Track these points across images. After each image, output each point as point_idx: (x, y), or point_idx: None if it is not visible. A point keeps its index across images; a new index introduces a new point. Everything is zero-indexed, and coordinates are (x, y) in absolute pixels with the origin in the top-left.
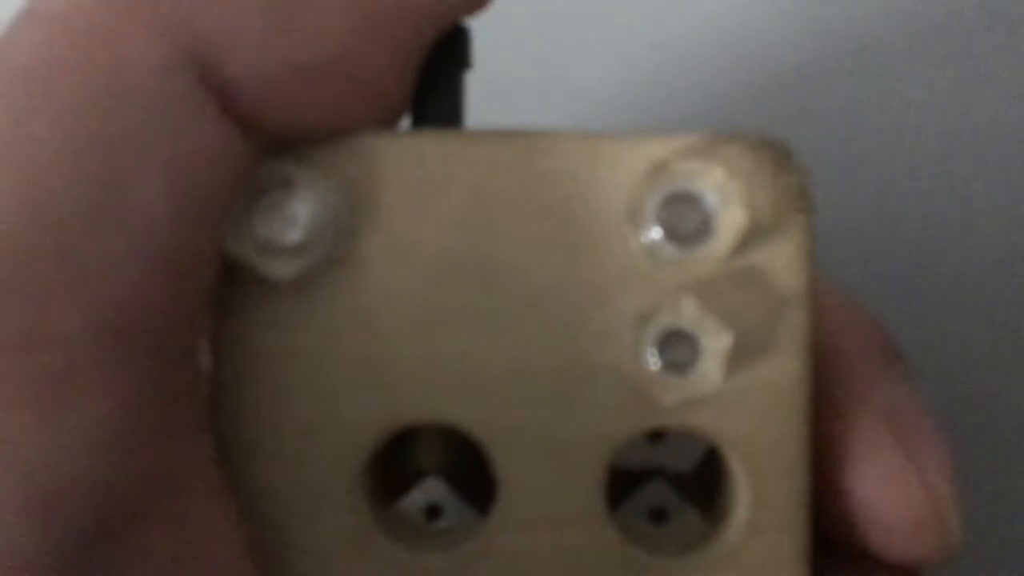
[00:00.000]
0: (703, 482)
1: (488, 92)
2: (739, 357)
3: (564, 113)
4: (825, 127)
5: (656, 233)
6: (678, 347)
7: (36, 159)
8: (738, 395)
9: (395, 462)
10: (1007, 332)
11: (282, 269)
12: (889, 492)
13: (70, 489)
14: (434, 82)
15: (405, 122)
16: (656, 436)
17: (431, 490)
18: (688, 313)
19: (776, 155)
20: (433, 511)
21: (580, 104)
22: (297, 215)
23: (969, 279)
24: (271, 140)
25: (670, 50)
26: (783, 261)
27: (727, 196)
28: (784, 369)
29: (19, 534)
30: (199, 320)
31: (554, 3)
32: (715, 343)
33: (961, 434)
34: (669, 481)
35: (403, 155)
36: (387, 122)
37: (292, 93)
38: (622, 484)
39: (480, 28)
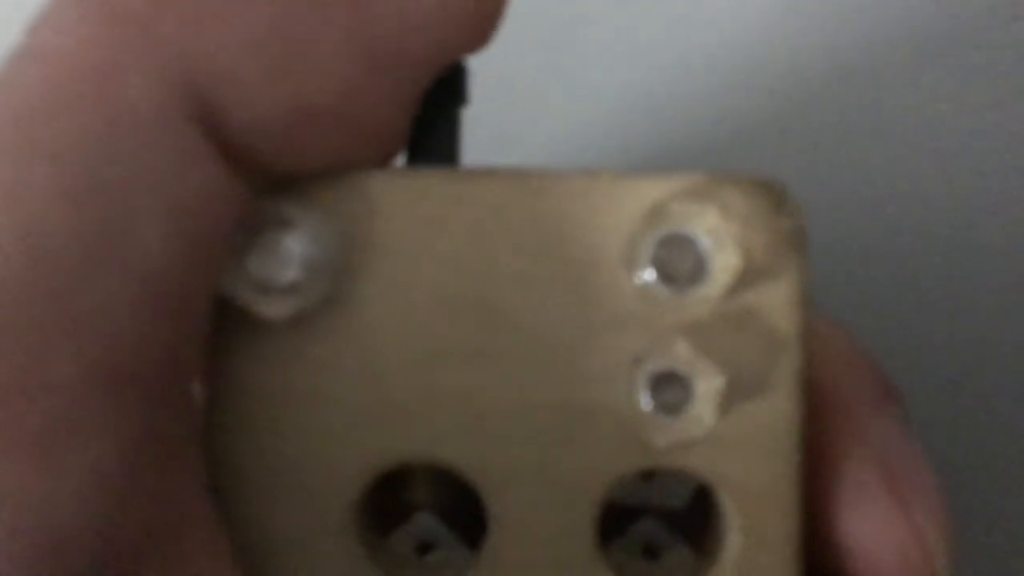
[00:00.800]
0: (694, 519)
1: (491, 96)
2: (732, 399)
3: (567, 118)
4: (826, 127)
5: (650, 275)
6: (671, 389)
7: (34, 201)
8: (731, 436)
9: (387, 495)
10: (1007, 332)
11: (277, 309)
12: (878, 537)
13: (69, 535)
14: (431, 119)
15: (400, 159)
16: (648, 474)
17: (423, 525)
18: (681, 355)
19: (772, 197)
20: (424, 546)
21: (582, 108)
22: (293, 254)
23: (969, 279)
24: (269, 180)
25: (674, 55)
26: (778, 303)
27: (721, 239)
28: (778, 411)
29: None
30: (195, 360)
31: (558, 7)
32: (708, 385)
33: (961, 436)
34: (660, 517)
35: (402, 194)
36: (384, 160)
37: (291, 135)
38: (613, 519)
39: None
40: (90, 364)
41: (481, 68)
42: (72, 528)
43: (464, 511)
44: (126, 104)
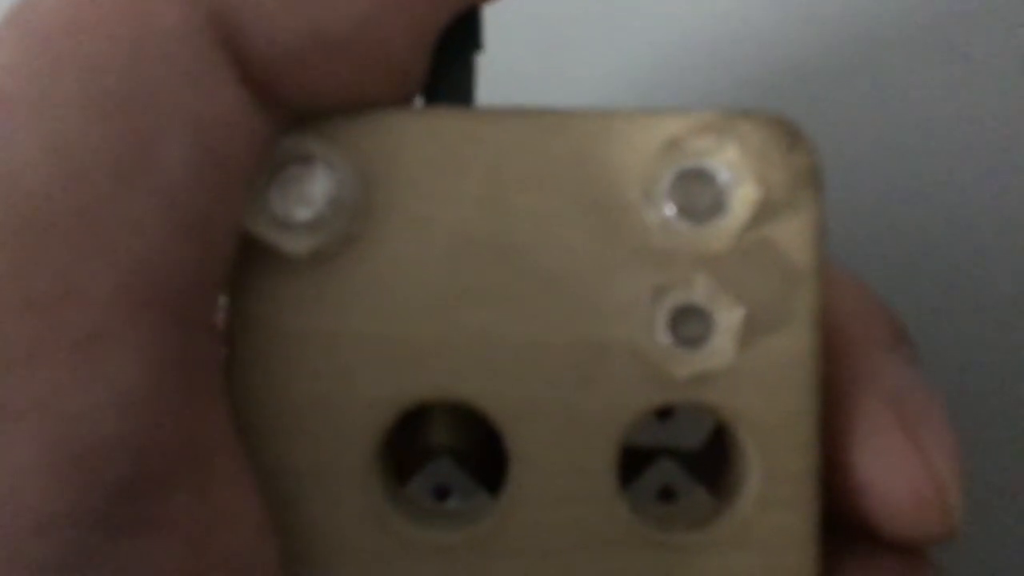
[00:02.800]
0: (710, 460)
1: (491, 88)
2: (751, 332)
3: (582, 71)
4: (826, 125)
5: (670, 210)
6: (691, 322)
7: (62, 119)
8: (750, 370)
9: (403, 443)
10: (1007, 332)
11: (298, 244)
12: (891, 473)
13: (101, 448)
14: (448, 63)
15: (417, 102)
16: (664, 413)
17: (440, 471)
18: (701, 289)
19: (788, 133)
20: (441, 492)
21: (582, 101)
22: (315, 190)
23: (968, 278)
24: (288, 112)
25: (672, 47)
26: (795, 237)
27: (740, 173)
28: (796, 344)
29: (51, 491)
30: (218, 289)
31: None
32: (728, 318)
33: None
34: (677, 460)
35: (421, 132)
36: (401, 100)
37: (311, 63)
38: (629, 463)
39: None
40: (120, 279)
41: (485, 64)
42: (103, 442)
43: (481, 457)
44: (152, 24)
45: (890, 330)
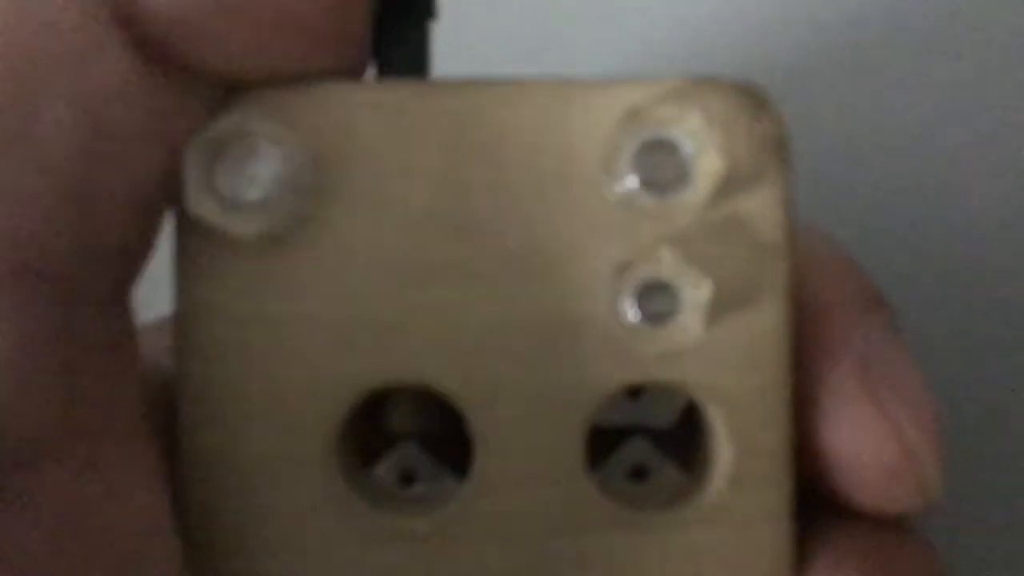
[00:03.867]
0: (682, 438)
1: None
2: (719, 308)
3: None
4: (825, 123)
5: (632, 182)
6: (657, 298)
7: None
8: (718, 347)
9: (366, 428)
10: (1007, 332)
11: (246, 226)
12: (860, 443)
13: None
14: (399, 32)
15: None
16: (635, 392)
17: (405, 456)
18: (667, 264)
19: (753, 101)
20: (406, 477)
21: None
22: (261, 170)
23: (968, 278)
24: (202, 83)
25: (665, 42)
26: (762, 209)
27: (704, 143)
28: (765, 319)
29: None
30: (113, 271)
31: None
32: (695, 294)
33: (960, 433)
34: (648, 439)
35: (371, 106)
36: (349, 72)
37: (209, 28)
38: (600, 443)
39: (474, 19)
40: None
41: (474, 55)
42: None
43: (446, 442)
44: None
45: (862, 293)
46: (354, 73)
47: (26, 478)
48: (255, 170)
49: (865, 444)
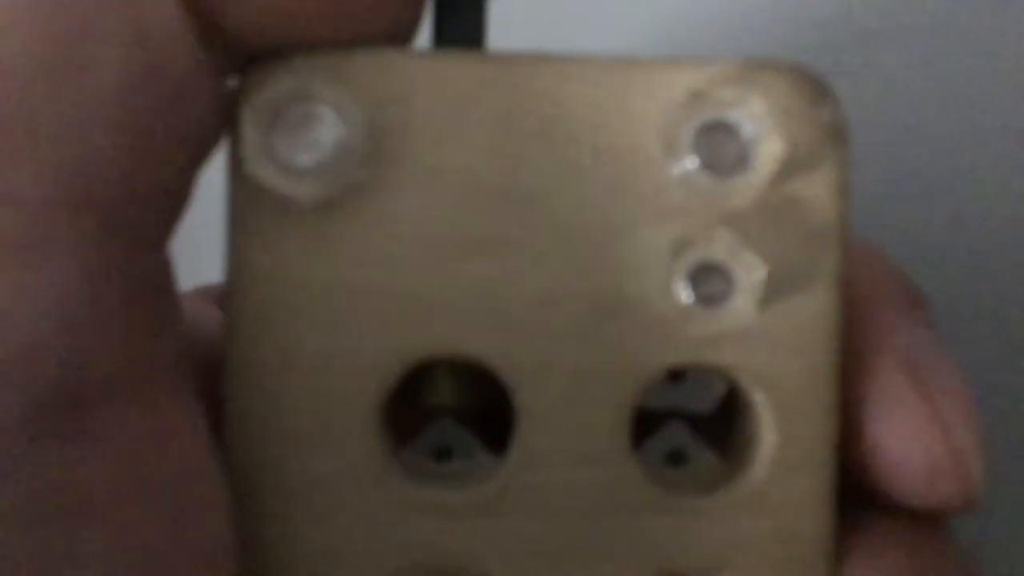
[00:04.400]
0: (718, 426)
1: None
2: (772, 292)
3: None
4: None
5: (692, 163)
6: (711, 280)
7: None
8: (769, 331)
9: (400, 405)
10: (1007, 331)
11: (304, 191)
12: (907, 439)
13: (39, 354)
14: (457, 4)
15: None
16: (676, 376)
17: (442, 431)
18: (722, 245)
19: (813, 86)
20: (442, 453)
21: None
22: (322, 135)
23: (967, 278)
24: (264, 40)
25: (665, 37)
26: (819, 194)
27: (765, 127)
28: (816, 305)
29: None
30: (162, 212)
31: None
32: (749, 277)
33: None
34: (685, 423)
35: (431, 76)
36: (398, 38)
37: None
38: (637, 425)
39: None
40: (55, 183)
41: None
42: (41, 348)
43: (482, 418)
44: None
45: (905, 294)
46: (404, 39)
47: (98, 416)
48: (315, 134)
49: (913, 440)
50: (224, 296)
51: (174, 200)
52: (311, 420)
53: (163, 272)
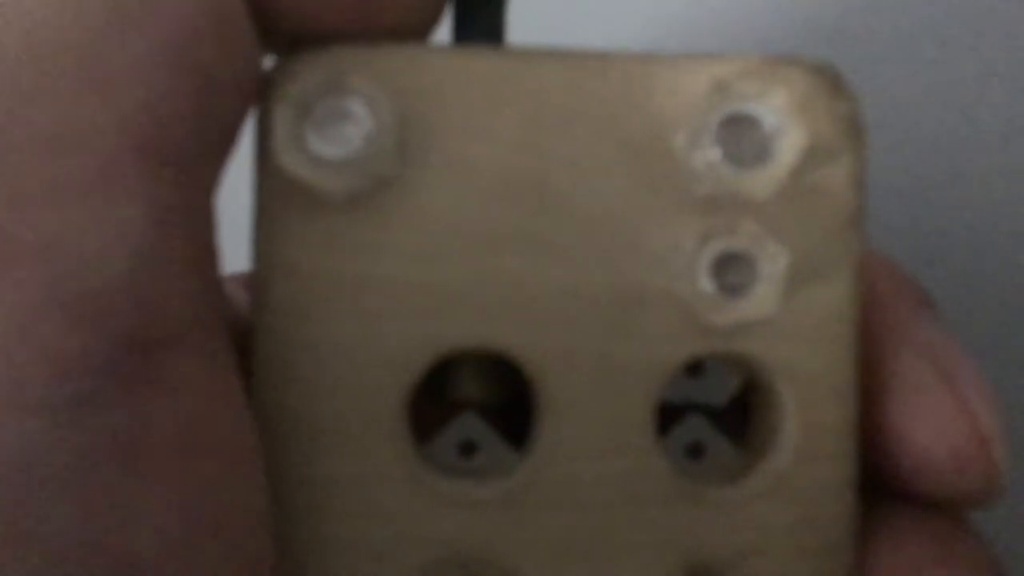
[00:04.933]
0: (734, 418)
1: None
2: (794, 281)
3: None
4: None
5: (715, 154)
6: (735, 270)
7: None
8: (790, 321)
9: (423, 400)
10: (1006, 331)
11: (334, 184)
12: (933, 427)
13: (110, 295)
14: (477, 1)
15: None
16: (694, 369)
17: (467, 426)
18: (745, 235)
19: (833, 80)
20: (467, 448)
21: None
22: (353, 128)
23: (967, 278)
24: (290, 31)
25: (666, 37)
26: (839, 185)
27: (787, 119)
28: (837, 295)
29: (61, 333)
30: (220, 159)
31: None
32: (772, 266)
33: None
34: (703, 416)
35: (459, 71)
36: (417, 32)
37: None
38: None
39: None
40: (121, 122)
41: None
42: (112, 289)
43: (506, 413)
44: None
45: (916, 291)
46: (423, 34)
47: (169, 363)
48: (345, 127)
49: (939, 428)
50: (251, 289)
51: (227, 150)
52: (338, 414)
53: (213, 224)
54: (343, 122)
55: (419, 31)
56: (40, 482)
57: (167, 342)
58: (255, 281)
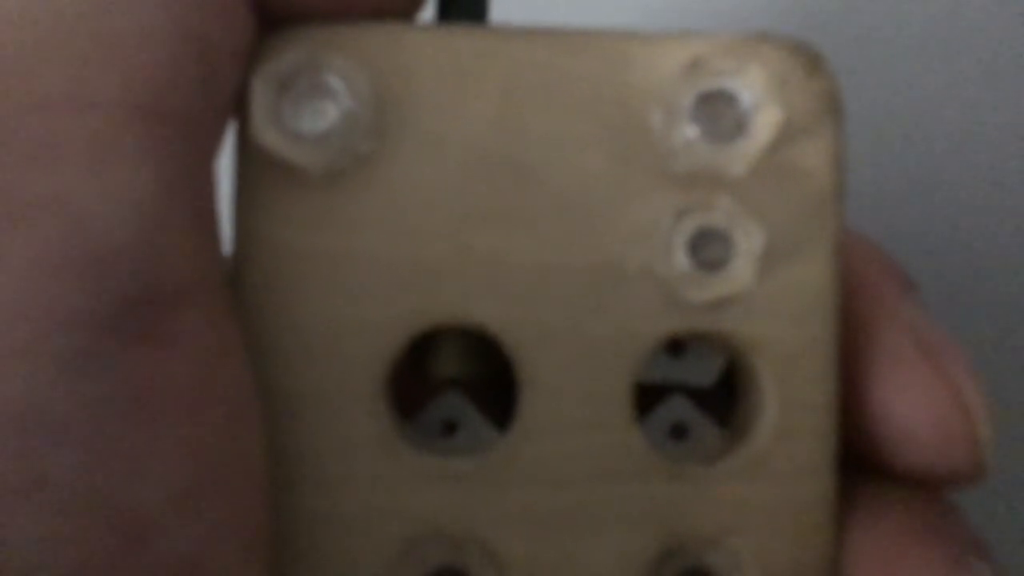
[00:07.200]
0: (719, 398)
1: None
2: (771, 257)
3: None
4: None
5: (692, 131)
6: (711, 246)
7: None
8: (768, 297)
9: (406, 377)
10: (1006, 331)
11: (311, 159)
12: (917, 403)
13: (117, 252)
14: None
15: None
16: (676, 350)
17: (449, 405)
18: (722, 211)
19: (809, 57)
20: (449, 427)
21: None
22: (328, 104)
23: (967, 278)
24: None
25: (648, 16)
26: (816, 162)
27: (763, 95)
28: (815, 272)
29: (66, 289)
30: (222, 124)
31: None
32: (748, 242)
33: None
34: (686, 396)
35: (435, 48)
36: (401, 11)
37: None
38: (640, 399)
39: None
40: (127, 87)
41: None
42: (116, 247)
43: (488, 391)
44: None
45: (900, 273)
46: (409, 14)
47: (178, 320)
48: (322, 104)
49: (923, 404)
50: (231, 266)
51: (227, 116)
52: (317, 388)
53: (213, 187)
54: (321, 98)
55: (403, 13)
56: (48, 431)
57: (172, 299)
58: (235, 258)
